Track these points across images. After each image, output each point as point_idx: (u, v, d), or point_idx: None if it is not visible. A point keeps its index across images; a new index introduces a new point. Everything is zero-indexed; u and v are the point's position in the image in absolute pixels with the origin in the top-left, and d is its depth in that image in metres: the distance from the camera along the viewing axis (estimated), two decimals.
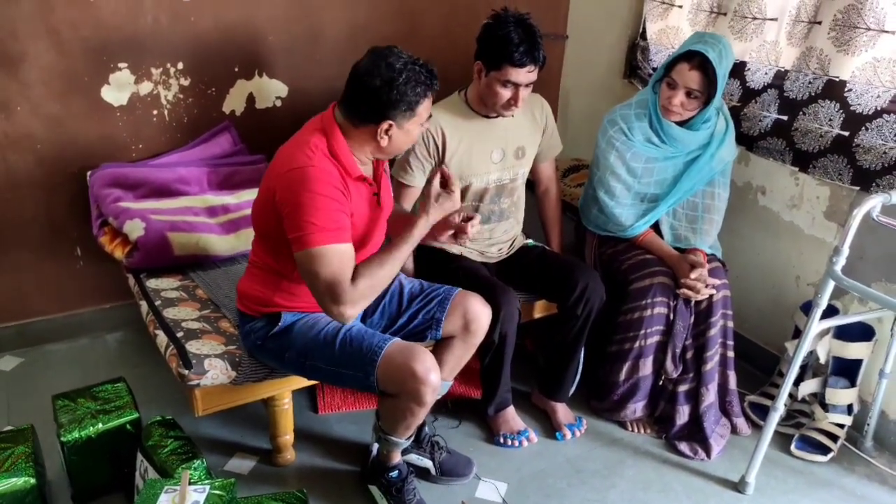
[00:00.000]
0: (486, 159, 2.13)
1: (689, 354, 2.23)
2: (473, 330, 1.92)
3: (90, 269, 2.57)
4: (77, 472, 1.88)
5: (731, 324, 2.24)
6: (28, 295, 2.52)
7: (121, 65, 2.37)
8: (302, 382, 1.95)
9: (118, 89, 2.39)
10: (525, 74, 1.95)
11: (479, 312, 1.92)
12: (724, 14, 2.47)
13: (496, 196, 2.19)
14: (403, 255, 1.71)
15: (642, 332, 2.20)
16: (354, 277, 1.63)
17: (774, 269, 2.50)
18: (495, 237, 2.25)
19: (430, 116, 1.72)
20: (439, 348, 1.96)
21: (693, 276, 2.12)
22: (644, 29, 2.84)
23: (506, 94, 1.98)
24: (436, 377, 1.68)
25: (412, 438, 1.88)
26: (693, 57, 2.07)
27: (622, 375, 2.26)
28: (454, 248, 2.22)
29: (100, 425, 1.88)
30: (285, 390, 1.97)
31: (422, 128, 1.71)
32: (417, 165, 2.09)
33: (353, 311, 1.63)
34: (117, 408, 1.94)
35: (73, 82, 2.31)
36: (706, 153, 2.23)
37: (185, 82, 2.49)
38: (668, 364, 2.22)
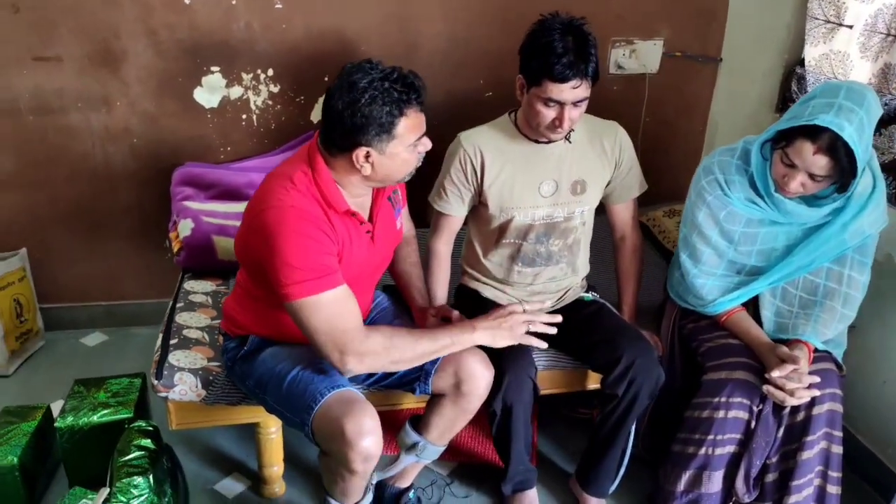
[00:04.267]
0: (533, 191, 1.79)
1: (769, 477, 1.70)
2: (465, 392, 1.63)
3: None
4: (69, 459, 1.90)
5: (837, 450, 1.66)
6: (119, 279, 2.68)
7: (213, 68, 2.42)
8: None
9: (210, 92, 2.44)
10: (569, 91, 1.59)
11: (474, 373, 1.62)
12: None
13: (544, 236, 1.84)
14: (436, 347, 1.52)
15: (710, 437, 1.71)
16: (372, 330, 1.46)
17: None
18: (539, 284, 1.89)
19: (424, 135, 1.49)
20: (430, 406, 1.71)
21: (777, 373, 1.59)
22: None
23: (548, 114, 1.64)
24: (370, 444, 1.42)
25: None
26: (818, 134, 1.52)
27: (681, 485, 1.77)
28: (487, 291, 1.92)
29: (94, 418, 1.89)
30: (270, 418, 1.82)
31: (415, 150, 1.48)
32: (454, 192, 1.82)
33: (358, 366, 1.45)
34: (120, 403, 1.94)
35: (168, 82, 2.41)
36: (837, 220, 1.68)
37: (275, 89, 2.48)
38: (739, 484, 1.70)
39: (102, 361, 2.53)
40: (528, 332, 1.57)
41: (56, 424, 1.87)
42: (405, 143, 1.45)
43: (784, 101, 2.35)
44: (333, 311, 1.44)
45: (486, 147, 1.78)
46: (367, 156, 1.43)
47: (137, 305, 2.72)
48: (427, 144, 1.52)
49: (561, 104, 1.62)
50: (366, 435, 1.41)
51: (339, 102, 1.39)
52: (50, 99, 2.35)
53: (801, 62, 2.28)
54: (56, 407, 2.09)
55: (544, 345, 1.61)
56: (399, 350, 1.48)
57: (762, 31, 2.44)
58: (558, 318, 1.61)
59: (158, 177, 2.52)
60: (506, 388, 1.66)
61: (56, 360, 2.54)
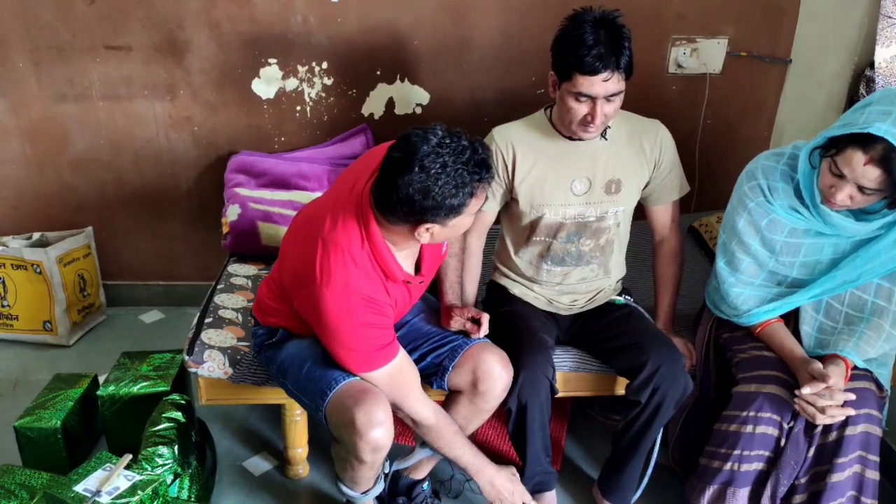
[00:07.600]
0: (565, 189, 1.76)
1: (797, 499, 1.61)
2: (482, 390, 1.62)
3: None
4: (109, 427, 2.01)
5: (872, 475, 1.55)
6: (178, 261, 2.81)
7: (271, 60, 2.49)
8: None
9: (267, 83, 2.52)
10: (600, 84, 1.55)
11: (492, 371, 1.61)
12: None
13: (575, 235, 1.80)
14: (461, 459, 1.62)
15: (737, 452, 1.63)
16: (435, 406, 1.59)
17: None
18: (568, 284, 1.85)
19: (486, 200, 1.47)
20: (447, 402, 1.71)
21: (808, 389, 1.50)
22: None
23: (580, 109, 1.61)
24: (380, 435, 1.43)
25: (371, 494, 1.63)
26: (872, 143, 1.42)
27: (704, 500, 1.70)
28: (516, 289, 1.89)
29: (134, 389, 1.98)
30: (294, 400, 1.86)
31: (471, 218, 1.46)
32: None
33: (410, 423, 1.60)
34: (160, 377, 2.03)
35: (228, 73, 2.50)
36: (890, 234, 1.57)
37: (328, 82, 2.54)
38: (765, 502, 1.61)
39: (156, 338, 2.65)
40: None
41: (98, 393, 1.97)
42: (471, 212, 1.43)
43: (852, 105, 2.20)
44: (392, 380, 1.52)
45: (518, 142, 1.76)
46: (429, 229, 1.40)
47: (193, 287, 2.83)
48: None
49: (593, 99, 1.58)
50: (376, 426, 1.42)
51: (409, 187, 1.31)
52: (118, 86, 2.49)
53: (872, 64, 2.14)
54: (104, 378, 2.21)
55: None
56: (438, 436, 1.58)
57: (833, 30, 2.31)
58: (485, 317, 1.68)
59: (216, 164, 2.63)
60: (520, 386, 1.63)
61: (114, 334, 2.68)
